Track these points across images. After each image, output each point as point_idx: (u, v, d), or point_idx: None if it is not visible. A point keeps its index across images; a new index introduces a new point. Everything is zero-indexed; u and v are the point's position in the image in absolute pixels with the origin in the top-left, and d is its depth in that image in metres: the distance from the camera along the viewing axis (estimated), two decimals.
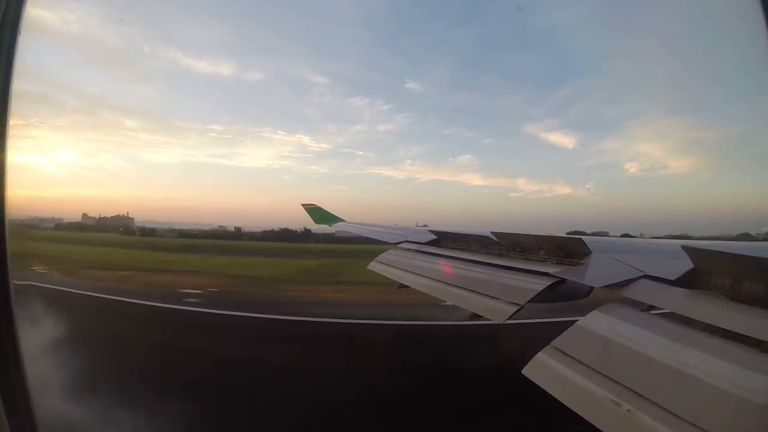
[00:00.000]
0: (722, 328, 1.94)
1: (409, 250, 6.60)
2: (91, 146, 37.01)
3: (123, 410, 4.90)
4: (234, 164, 39.34)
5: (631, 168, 39.15)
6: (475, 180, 41.66)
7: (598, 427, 1.75)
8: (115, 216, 33.71)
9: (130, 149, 37.74)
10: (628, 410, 1.69)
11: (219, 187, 41.76)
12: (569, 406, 1.90)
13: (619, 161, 40.35)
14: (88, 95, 38.38)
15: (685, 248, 2.88)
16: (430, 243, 6.63)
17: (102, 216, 33.32)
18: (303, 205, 12.31)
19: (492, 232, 5.62)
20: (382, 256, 6.59)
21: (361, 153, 41.88)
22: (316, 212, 12.05)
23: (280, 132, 40.27)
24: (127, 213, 33.67)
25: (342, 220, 11.57)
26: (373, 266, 6.45)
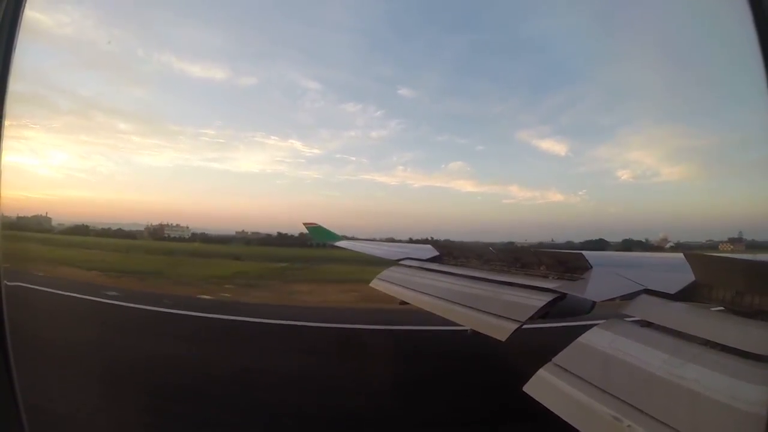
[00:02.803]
0: (721, 342, 1.91)
1: (410, 267, 6.57)
2: (84, 148, 37.78)
3: None
4: (227, 168, 40.20)
5: (624, 175, 39.23)
6: (468, 186, 41.96)
7: None
8: (34, 216, 35.49)
9: (123, 152, 38.60)
10: (629, 426, 1.66)
11: (212, 191, 42.53)
12: (570, 422, 1.88)
13: (612, 168, 40.57)
14: (81, 97, 39.23)
15: (686, 255, 2.88)
16: (431, 260, 6.61)
17: (20, 216, 35.03)
18: (305, 224, 12.33)
19: (492, 248, 5.61)
20: (384, 274, 6.56)
21: (353, 159, 42.56)
22: (318, 231, 12.05)
23: (272, 137, 40.91)
24: (46, 213, 35.20)
25: (343, 238, 11.55)
26: (375, 284, 6.42)
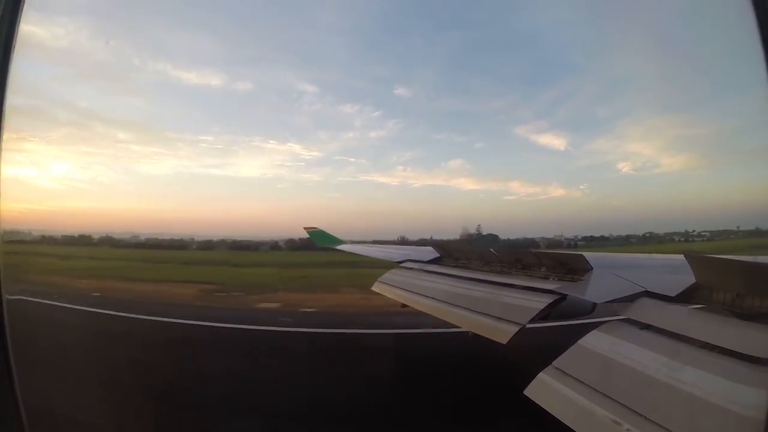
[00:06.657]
0: (720, 345, 1.91)
1: (411, 269, 6.57)
2: (84, 159, 38.18)
3: None
4: (227, 174, 40.38)
5: (625, 167, 39.02)
6: (469, 184, 41.81)
7: None
8: None
9: (123, 161, 38.89)
10: (628, 430, 1.66)
11: (215, 197, 42.60)
12: (570, 425, 1.88)
13: (612, 161, 40.38)
14: (79, 108, 39.48)
15: (687, 257, 2.88)
16: (432, 261, 6.60)
17: None
18: (305, 228, 12.29)
19: (493, 249, 5.61)
20: (385, 277, 6.56)
21: (353, 160, 42.53)
22: (319, 235, 12.00)
23: (271, 141, 41.09)
24: None
25: (344, 242, 11.51)
26: (377, 287, 6.42)
